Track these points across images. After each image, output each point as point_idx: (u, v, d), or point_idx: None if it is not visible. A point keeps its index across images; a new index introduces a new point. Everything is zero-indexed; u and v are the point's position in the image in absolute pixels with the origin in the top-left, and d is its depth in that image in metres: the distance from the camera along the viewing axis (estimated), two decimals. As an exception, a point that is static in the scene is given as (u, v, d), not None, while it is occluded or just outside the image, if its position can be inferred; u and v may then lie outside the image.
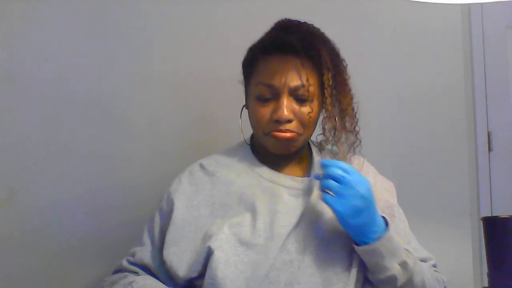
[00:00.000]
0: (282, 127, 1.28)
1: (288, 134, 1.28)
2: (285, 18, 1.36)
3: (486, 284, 1.38)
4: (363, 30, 1.79)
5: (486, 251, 1.36)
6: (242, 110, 1.38)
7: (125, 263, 1.33)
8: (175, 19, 1.64)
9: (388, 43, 1.83)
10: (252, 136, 1.39)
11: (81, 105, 1.55)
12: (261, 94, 1.29)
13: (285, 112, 1.27)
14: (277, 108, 1.28)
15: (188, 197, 1.32)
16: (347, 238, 1.24)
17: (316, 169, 1.33)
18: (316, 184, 1.28)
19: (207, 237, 1.25)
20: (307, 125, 1.30)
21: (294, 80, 1.28)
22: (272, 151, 1.31)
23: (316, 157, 1.36)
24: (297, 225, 1.26)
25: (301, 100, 1.29)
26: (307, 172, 1.36)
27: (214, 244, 1.22)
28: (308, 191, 1.30)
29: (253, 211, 1.27)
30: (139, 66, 1.60)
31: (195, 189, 1.33)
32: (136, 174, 1.56)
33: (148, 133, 1.60)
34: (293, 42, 1.28)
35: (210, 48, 1.63)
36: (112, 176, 1.56)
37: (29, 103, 1.52)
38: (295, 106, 1.28)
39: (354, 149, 1.35)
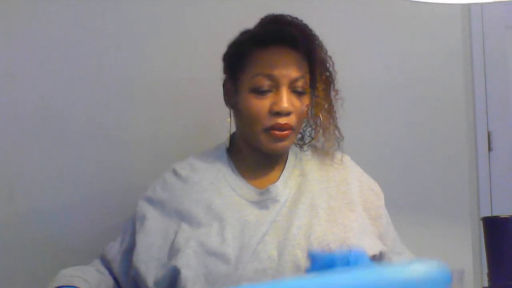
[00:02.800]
0: (281, 120, 1.25)
1: (284, 133, 1.26)
2: (274, 13, 1.34)
3: (486, 284, 1.38)
4: (362, 30, 1.79)
5: (486, 251, 1.36)
6: (230, 112, 1.35)
7: (96, 259, 1.34)
8: (176, 21, 1.64)
9: (388, 43, 1.82)
10: (231, 138, 1.36)
11: (81, 107, 1.55)
12: (259, 85, 1.26)
13: (286, 103, 1.25)
14: (277, 100, 1.25)
15: (162, 205, 1.29)
16: (326, 243, 1.20)
17: (286, 174, 1.30)
18: (283, 192, 1.27)
19: (174, 250, 1.22)
20: (302, 119, 1.30)
21: (293, 71, 1.27)
22: (265, 149, 1.28)
23: (291, 161, 1.34)
24: (267, 233, 1.22)
25: (299, 92, 1.28)
26: (280, 174, 1.31)
27: (180, 262, 1.19)
28: (277, 197, 1.27)
29: (221, 220, 1.24)
30: (140, 68, 1.60)
31: (167, 196, 1.30)
32: (136, 176, 1.56)
33: (148, 135, 1.60)
34: (293, 34, 1.28)
35: (210, 51, 1.63)
36: (112, 178, 1.56)
37: (29, 103, 1.52)
38: (294, 99, 1.27)
39: (339, 144, 1.33)
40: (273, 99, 1.26)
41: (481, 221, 1.39)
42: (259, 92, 1.26)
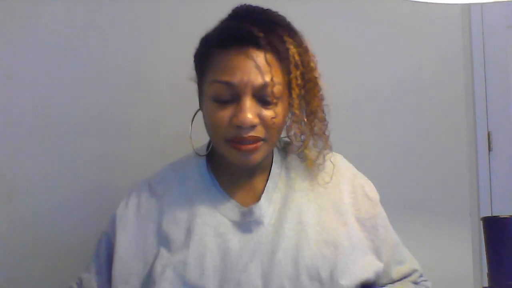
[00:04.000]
0: (244, 134, 1.09)
1: (251, 146, 1.10)
2: (244, 4, 1.17)
3: (486, 284, 1.38)
4: (362, 30, 1.79)
5: (486, 251, 1.36)
6: (195, 114, 1.22)
7: (75, 287, 1.24)
8: (175, 20, 1.64)
9: (388, 43, 1.82)
10: (210, 143, 1.25)
11: (81, 107, 1.55)
12: (218, 94, 1.10)
13: (249, 116, 1.08)
14: (238, 111, 1.09)
15: (135, 225, 1.17)
16: (315, 270, 1.11)
17: (271, 186, 1.18)
18: (267, 210, 1.15)
19: (151, 279, 1.11)
20: (273, 130, 1.12)
21: (257, 77, 1.08)
22: (232, 161, 1.14)
23: (275, 169, 1.20)
24: (251, 260, 1.10)
25: (265, 101, 1.10)
26: (264, 186, 1.19)
27: None
28: (260, 219, 1.14)
29: (200, 246, 1.12)
30: (139, 67, 1.60)
31: (142, 214, 1.18)
32: (136, 176, 1.55)
33: (148, 135, 1.60)
34: (255, 33, 1.09)
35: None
36: (112, 178, 1.56)
37: (29, 103, 1.52)
38: (260, 108, 1.10)
39: (324, 156, 1.19)
40: (235, 109, 1.10)
41: (481, 221, 1.39)
42: (219, 101, 1.11)
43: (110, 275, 1.16)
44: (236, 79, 1.09)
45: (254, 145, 1.10)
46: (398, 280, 1.27)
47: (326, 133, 1.17)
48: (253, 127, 1.10)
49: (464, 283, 1.78)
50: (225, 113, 1.10)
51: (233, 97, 1.10)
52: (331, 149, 1.20)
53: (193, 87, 1.64)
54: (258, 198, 1.19)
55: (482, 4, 2.07)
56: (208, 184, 1.19)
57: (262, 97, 1.10)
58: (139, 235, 1.16)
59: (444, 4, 1.32)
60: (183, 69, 1.64)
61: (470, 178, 1.95)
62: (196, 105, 1.63)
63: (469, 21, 2.12)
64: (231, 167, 1.19)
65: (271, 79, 1.09)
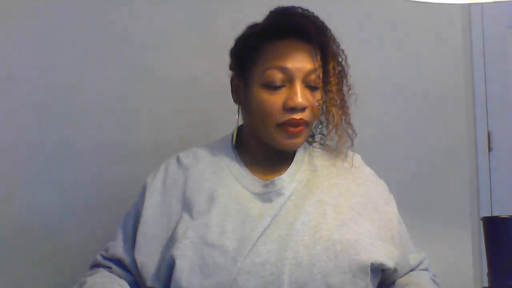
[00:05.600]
0: (296, 117, 1.20)
1: (299, 129, 1.21)
2: (284, 5, 1.28)
3: (486, 284, 1.38)
4: (362, 30, 1.79)
5: (486, 251, 1.36)
6: (239, 109, 1.29)
7: (99, 257, 1.29)
8: (176, 20, 1.64)
9: (388, 43, 1.82)
10: (238, 134, 1.32)
11: (81, 107, 1.55)
12: (271, 80, 1.21)
13: (301, 98, 1.20)
14: (292, 94, 1.20)
15: (161, 193, 1.25)
16: (330, 242, 1.15)
17: (294, 166, 1.26)
18: (289, 185, 1.22)
19: (173, 240, 1.18)
20: (316, 115, 1.25)
21: (307, 64, 1.22)
22: (278, 146, 1.24)
23: (299, 156, 1.29)
24: (269, 226, 1.17)
25: (312, 87, 1.23)
26: (288, 168, 1.27)
27: (176, 252, 1.15)
28: (282, 190, 1.22)
29: (222, 212, 1.20)
30: (140, 67, 1.60)
31: (169, 184, 1.26)
32: (137, 175, 1.55)
33: (149, 135, 1.60)
34: (306, 26, 1.23)
35: (212, 50, 1.63)
36: (112, 178, 1.56)
37: (29, 103, 1.52)
38: (308, 93, 1.22)
39: (352, 141, 1.28)
40: (287, 94, 1.21)
41: (481, 221, 1.39)
42: (272, 87, 1.21)
43: (135, 239, 1.23)
44: (290, 64, 1.20)
45: (300, 128, 1.22)
46: (415, 267, 1.32)
47: (351, 121, 1.27)
48: (303, 109, 1.20)
49: (464, 283, 1.79)
50: (278, 98, 1.21)
51: (285, 83, 1.21)
52: (356, 136, 1.28)
53: (195, 86, 1.64)
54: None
55: (482, 4, 2.07)
56: (232, 161, 1.28)
57: (309, 82, 1.22)
58: (164, 202, 1.24)
59: (444, 4, 1.32)
60: (185, 71, 1.64)
61: (470, 178, 1.95)
62: (197, 107, 1.64)
63: (469, 21, 2.12)
64: (256, 152, 1.28)
65: (318, 66, 1.21)
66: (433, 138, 1.84)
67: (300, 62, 1.21)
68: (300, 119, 1.20)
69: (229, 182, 1.24)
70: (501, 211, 1.84)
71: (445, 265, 1.43)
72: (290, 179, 1.24)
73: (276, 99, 1.21)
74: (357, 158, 1.34)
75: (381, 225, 1.25)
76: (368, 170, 1.34)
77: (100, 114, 1.57)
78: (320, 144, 1.33)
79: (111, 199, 1.55)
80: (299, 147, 1.27)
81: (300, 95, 1.20)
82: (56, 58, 1.54)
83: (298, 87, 1.20)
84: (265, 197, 1.22)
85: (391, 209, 1.31)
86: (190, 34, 1.65)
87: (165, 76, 1.62)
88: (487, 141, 2.18)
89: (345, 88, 1.27)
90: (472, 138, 2.13)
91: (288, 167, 1.27)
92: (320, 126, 1.32)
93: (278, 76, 1.21)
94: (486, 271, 1.37)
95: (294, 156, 1.29)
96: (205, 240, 1.16)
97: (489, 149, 2.18)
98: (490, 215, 2.00)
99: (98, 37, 1.58)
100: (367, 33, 1.80)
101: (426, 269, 1.35)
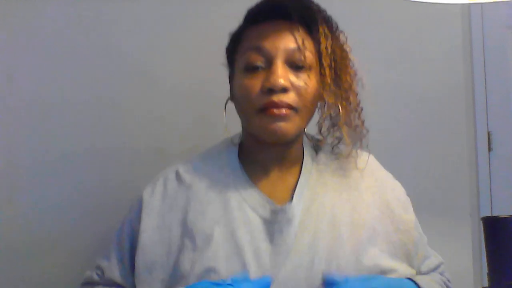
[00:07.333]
0: (276, 99, 1.07)
1: (283, 111, 1.07)
2: None
3: (486, 284, 1.38)
4: (362, 30, 1.79)
5: (486, 251, 1.36)
6: (226, 103, 1.21)
7: (95, 277, 1.19)
8: (177, 19, 1.64)
9: (388, 43, 1.82)
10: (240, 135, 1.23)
11: (81, 107, 1.55)
12: (249, 62, 1.11)
13: (280, 78, 1.07)
14: (269, 74, 1.08)
15: (160, 214, 1.13)
16: (347, 272, 1.07)
17: (303, 182, 1.15)
18: (297, 212, 1.11)
19: (178, 274, 1.07)
20: (305, 100, 1.10)
21: (289, 42, 1.11)
22: (263, 134, 1.11)
23: (307, 165, 1.18)
24: (284, 263, 1.06)
25: (297, 66, 1.11)
26: (296, 182, 1.16)
27: None
28: (293, 219, 1.10)
29: (234, 247, 1.07)
30: (141, 67, 1.60)
31: (168, 204, 1.14)
32: (137, 175, 1.56)
33: (150, 135, 1.60)
34: (287, 5, 1.13)
35: (213, 50, 1.63)
36: (112, 178, 1.56)
37: (29, 104, 1.52)
38: (291, 74, 1.10)
39: (361, 140, 1.18)
40: (266, 75, 1.09)
41: (481, 221, 1.39)
42: (250, 69, 1.11)
43: (132, 263, 1.14)
44: (267, 43, 1.10)
45: (285, 111, 1.08)
46: (428, 272, 1.27)
47: (362, 116, 1.18)
48: (285, 90, 1.08)
49: (464, 283, 1.78)
50: (256, 81, 1.10)
51: (265, 64, 1.11)
52: (367, 133, 1.18)
53: (196, 85, 1.64)
54: (288, 192, 1.16)
55: (482, 4, 2.07)
56: (238, 176, 1.16)
57: (293, 62, 1.11)
58: (164, 225, 1.13)
59: (444, 4, 1.31)
60: (185, 70, 1.64)
61: (470, 178, 1.95)
62: (197, 106, 1.64)
63: (469, 21, 2.13)
64: (260, 159, 1.17)
65: (302, 43, 1.10)
66: (433, 138, 1.84)
67: (280, 41, 1.10)
68: (282, 101, 1.07)
69: (236, 204, 1.12)
70: (501, 211, 1.84)
71: (445, 265, 1.43)
72: (298, 200, 1.13)
73: (254, 82, 1.09)
74: (371, 160, 1.23)
75: (397, 239, 1.18)
76: (382, 173, 1.25)
77: (101, 114, 1.57)
78: (331, 147, 1.21)
79: (112, 199, 1.55)
80: (290, 135, 1.11)
81: (280, 75, 1.07)
82: (56, 58, 1.54)
83: (277, 67, 1.08)
84: (275, 227, 1.10)
85: (409, 217, 1.23)
86: (189, 36, 1.64)
87: (163, 79, 1.61)
88: (487, 141, 2.18)
89: (342, 75, 1.15)
90: (472, 138, 2.13)
91: (294, 174, 1.18)
92: (326, 122, 1.18)
93: (255, 57, 1.10)
94: (486, 271, 1.37)
95: (302, 165, 1.19)
96: (216, 274, 1.05)
97: (489, 149, 2.18)
98: (490, 215, 2.00)
99: (98, 38, 1.58)
100: (366, 33, 1.80)
101: (441, 273, 1.31)
